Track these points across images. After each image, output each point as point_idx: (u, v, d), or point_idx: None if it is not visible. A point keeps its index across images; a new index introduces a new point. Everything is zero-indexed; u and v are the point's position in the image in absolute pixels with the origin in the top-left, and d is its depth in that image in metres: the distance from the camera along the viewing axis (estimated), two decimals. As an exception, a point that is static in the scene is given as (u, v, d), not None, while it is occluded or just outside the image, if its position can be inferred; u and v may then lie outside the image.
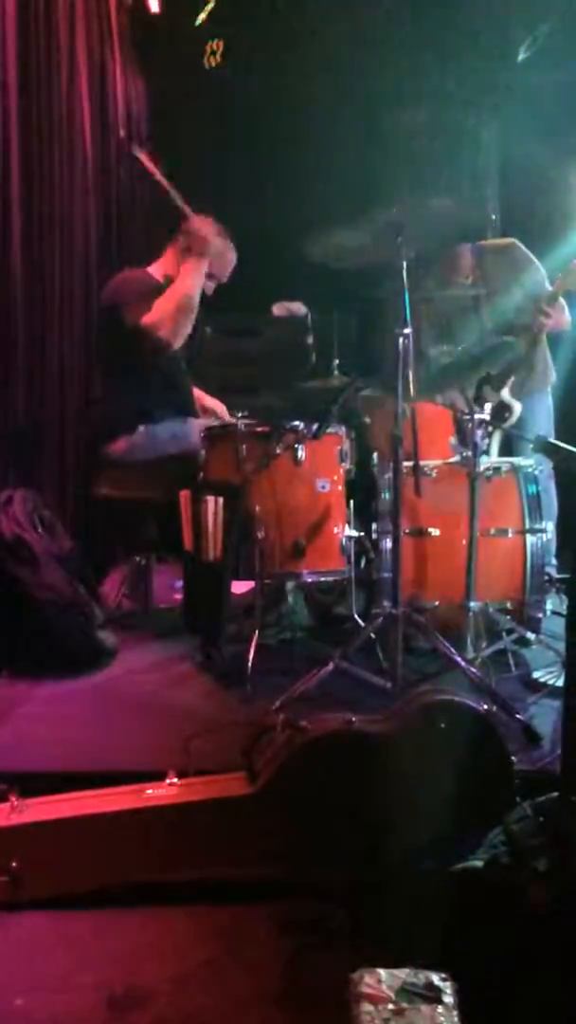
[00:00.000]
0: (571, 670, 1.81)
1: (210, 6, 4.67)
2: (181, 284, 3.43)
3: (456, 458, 3.16)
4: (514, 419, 3.68)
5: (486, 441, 3.52)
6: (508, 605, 3.01)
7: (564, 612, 2.53)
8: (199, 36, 4.91)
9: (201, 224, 3.51)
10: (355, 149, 5.20)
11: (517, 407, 3.68)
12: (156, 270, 3.62)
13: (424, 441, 2.85)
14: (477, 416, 2.90)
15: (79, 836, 1.83)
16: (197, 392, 3.85)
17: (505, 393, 3.67)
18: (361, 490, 3.20)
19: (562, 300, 3.75)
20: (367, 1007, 1.33)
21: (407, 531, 2.91)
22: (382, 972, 1.38)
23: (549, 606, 3.08)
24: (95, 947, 1.67)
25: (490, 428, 3.45)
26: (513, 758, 1.92)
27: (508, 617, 2.98)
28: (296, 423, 3.00)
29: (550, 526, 3.09)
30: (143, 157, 3.59)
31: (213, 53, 4.75)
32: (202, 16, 4.77)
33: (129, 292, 3.51)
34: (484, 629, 2.89)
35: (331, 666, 2.64)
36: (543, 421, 3.87)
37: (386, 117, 5.48)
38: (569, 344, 4.31)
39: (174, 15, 4.98)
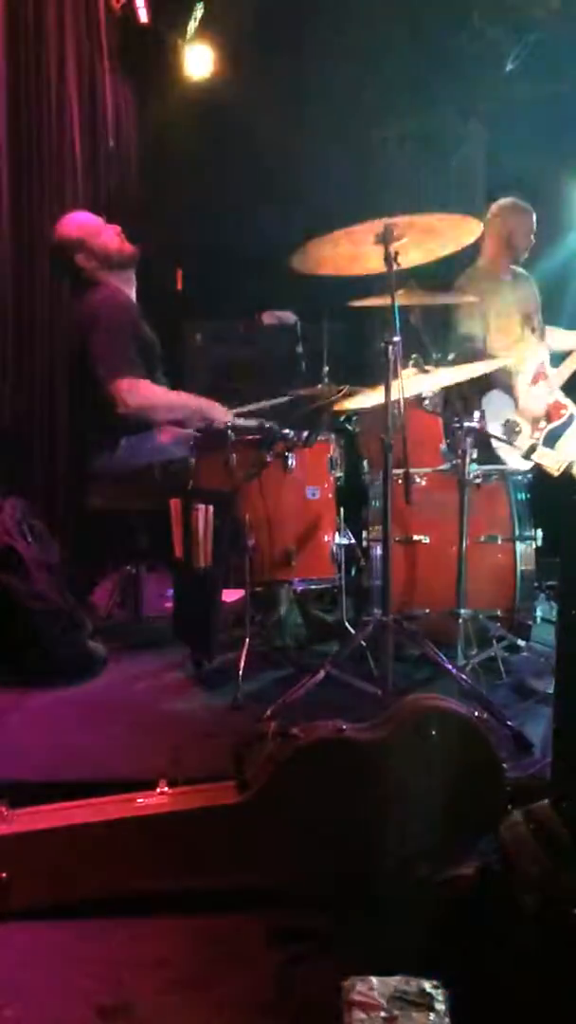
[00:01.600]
0: (561, 677, 1.82)
1: (198, 15, 4.67)
2: (180, 399, 3.56)
3: (446, 465, 3.17)
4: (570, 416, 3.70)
5: (537, 436, 3.54)
6: (498, 612, 3.01)
7: (554, 619, 2.55)
8: (188, 46, 4.93)
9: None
10: (346, 159, 5.22)
11: (572, 407, 3.71)
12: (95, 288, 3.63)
13: (414, 448, 2.85)
14: (467, 424, 2.91)
15: (69, 845, 1.82)
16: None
17: (559, 392, 3.71)
18: (351, 498, 3.20)
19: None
20: (359, 1015, 1.32)
21: (397, 539, 2.92)
22: (374, 980, 1.37)
23: (539, 613, 3.09)
24: (84, 956, 1.66)
25: (543, 425, 3.48)
26: (504, 765, 1.92)
27: (498, 624, 2.98)
28: (286, 431, 3.01)
29: (540, 534, 3.09)
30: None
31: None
32: (192, 25, 4.78)
33: (93, 326, 3.50)
34: (474, 636, 2.89)
35: (322, 674, 2.64)
36: None
37: (377, 128, 5.51)
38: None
39: (163, 25, 4.99)
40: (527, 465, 3.70)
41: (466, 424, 2.90)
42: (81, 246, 3.60)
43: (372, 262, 2.77)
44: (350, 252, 2.80)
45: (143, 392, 3.42)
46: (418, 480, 2.98)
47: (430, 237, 2.81)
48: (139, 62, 5.09)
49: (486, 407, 3.74)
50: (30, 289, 4.26)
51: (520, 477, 3.12)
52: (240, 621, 3.02)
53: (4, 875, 1.76)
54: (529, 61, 4.97)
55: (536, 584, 3.10)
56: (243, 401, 3.80)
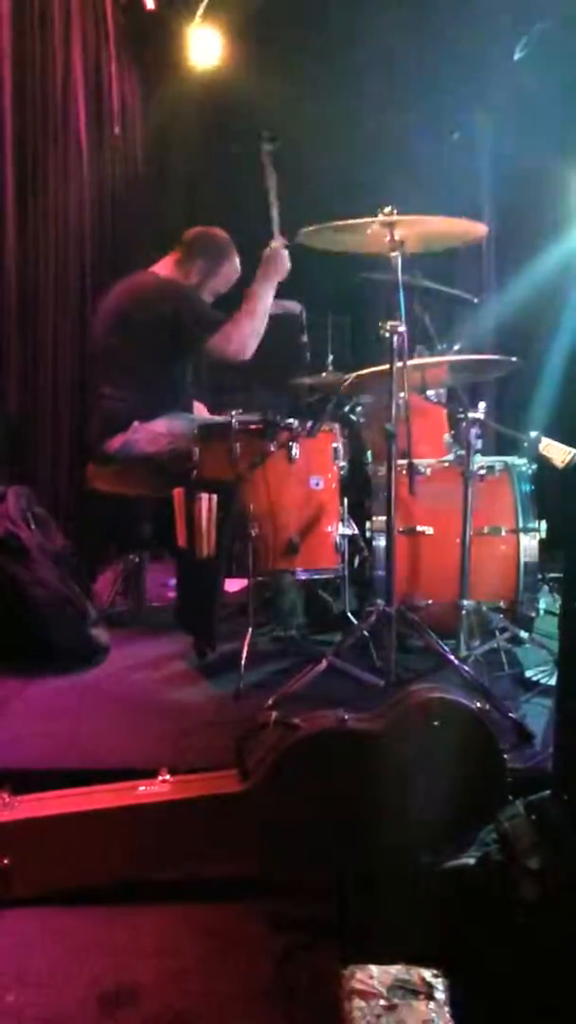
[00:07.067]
0: (563, 669, 1.82)
1: (204, 2, 4.66)
2: (259, 305, 3.57)
3: (450, 456, 3.17)
4: None
5: None
6: (501, 604, 3.00)
7: (557, 611, 2.54)
8: (194, 33, 4.91)
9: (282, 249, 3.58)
10: (351, 149, 5.20)
11: None
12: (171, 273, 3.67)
13: (419, 439, 2.84)
14: (471, 415, 2.89)
15: (71, 833, 1.82)
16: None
17: None
18: (355, 488, 3.20)
19: None
20: (359, 1003, 1.33)
21: (401, 529, 2.91)
22: (374, 968, 1.38)
23: (542, 605, 3.08)
24: (86, 944, 1.66)
25: None
26: (505, 756, 1.93)
27: (501, 616, 2.98)
28: (290, 420, 3.00)
29: (544, 526, 3.09)
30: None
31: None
32: (199, 12, 4.76)
33: (178, 293, 3.58)
34: (477, 627, 2.89)
35: (324, 664, 2.64)
36: None
37: (382, 117, 5.47)
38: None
39: (169, 12, 4.97)
40: None
41: (471, 415, 2.89)
42: (206, 255, 3.72)
43: (377, 245, 2.77)
44: (354, 236, 2.80)
45: (235, 333, 3.53)
46: (422, 471, 2.97)
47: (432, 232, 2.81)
48: (145, 49, 5.07)
49: None
50: (35, 278, 4.24)
51: (524, 468, 3.11)
52: (243, 610, 3.02)
53: (6, 862, 1.77)
54: (537, 51, 4.93)
55: (539, 576, 3.09)
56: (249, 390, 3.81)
